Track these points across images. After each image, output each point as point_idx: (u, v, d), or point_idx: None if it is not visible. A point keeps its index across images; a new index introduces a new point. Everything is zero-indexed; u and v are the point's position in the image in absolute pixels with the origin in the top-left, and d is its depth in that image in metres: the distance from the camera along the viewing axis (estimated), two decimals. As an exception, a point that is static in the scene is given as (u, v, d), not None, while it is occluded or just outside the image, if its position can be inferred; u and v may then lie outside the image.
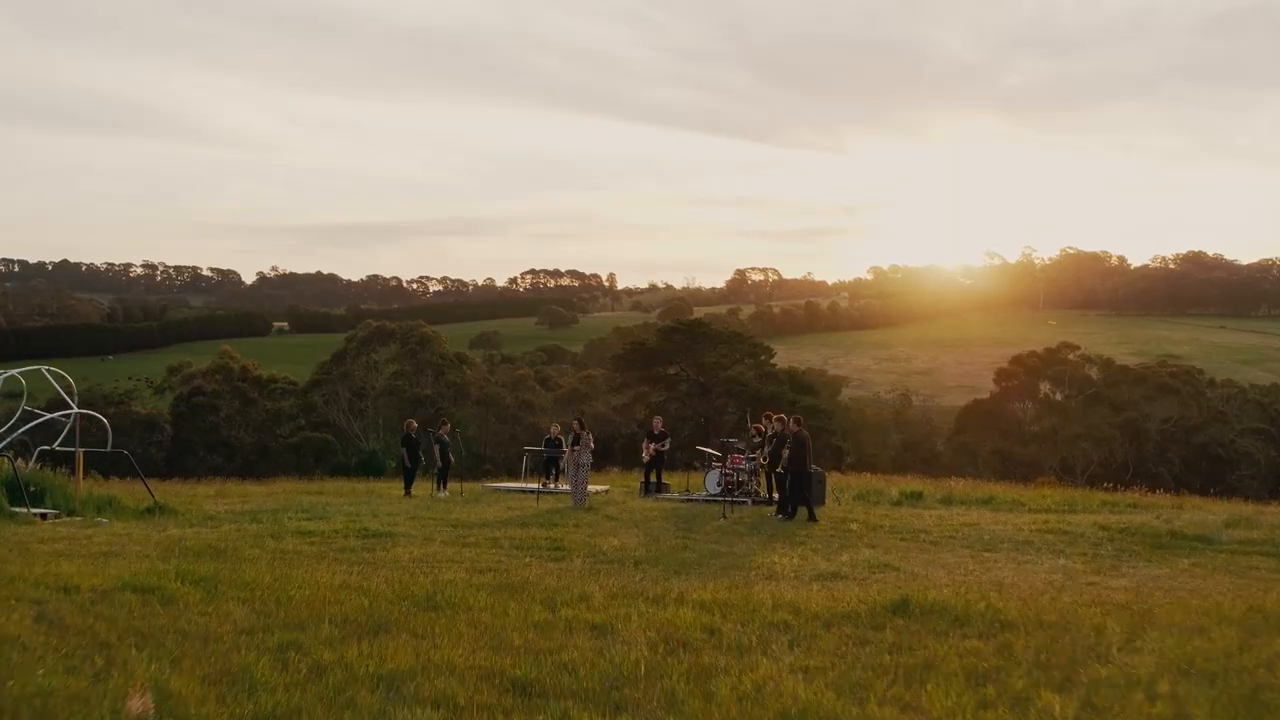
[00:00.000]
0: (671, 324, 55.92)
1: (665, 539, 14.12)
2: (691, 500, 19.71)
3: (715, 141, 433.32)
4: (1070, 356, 51.58)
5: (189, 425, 45.45)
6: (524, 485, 22.69)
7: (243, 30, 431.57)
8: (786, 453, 17.02)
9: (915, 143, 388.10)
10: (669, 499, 20.14)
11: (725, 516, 16.58)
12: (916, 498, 20.32)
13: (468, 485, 23.02)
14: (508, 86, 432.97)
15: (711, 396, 49.81)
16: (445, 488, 21.24)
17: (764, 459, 18.79)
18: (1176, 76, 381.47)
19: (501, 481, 25.56)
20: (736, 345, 51.02)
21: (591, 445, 18.92)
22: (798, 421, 17.39)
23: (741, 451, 19.66)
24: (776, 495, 18.38)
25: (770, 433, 19.10)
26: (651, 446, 21.19)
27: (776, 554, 12.70)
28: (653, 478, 21.25)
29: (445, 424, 22.46)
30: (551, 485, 21.61)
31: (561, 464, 21.52)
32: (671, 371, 51.48)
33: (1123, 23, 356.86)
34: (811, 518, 16.29)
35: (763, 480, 19.85)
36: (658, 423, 22.22)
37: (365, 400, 46.75)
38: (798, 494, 16.61)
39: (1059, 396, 49.18)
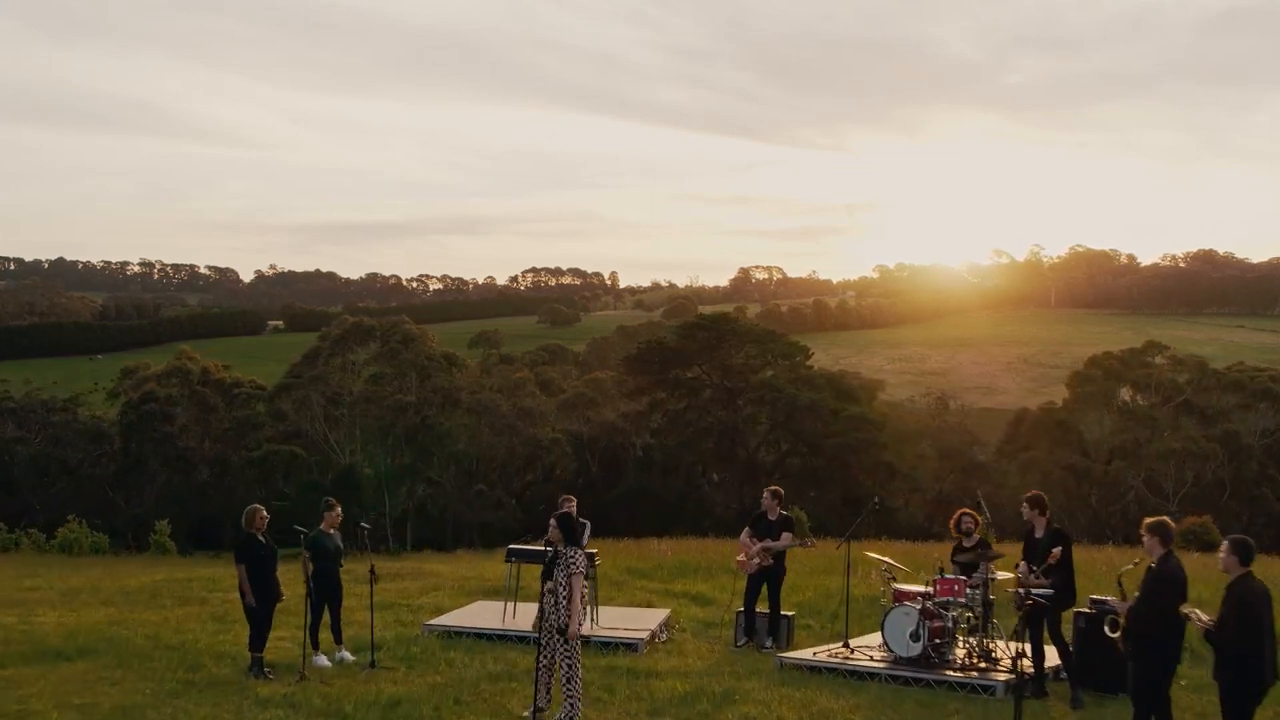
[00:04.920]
0: (693, 320, 49.62)
1: None
2: (858, 671, 9.89)
3: (716, 140, 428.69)
4: (1158, 359, 45.43)
5: (139, 436, 39.75)
6: (506, 625, 11.94)
7: (243, 29, 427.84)
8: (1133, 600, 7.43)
9: (917, 141, 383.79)
10: (805, 665, 10.23)
11: None
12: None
13: (401, 590, 14.56)
14: (508, 85, 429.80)
15: (739, 404, 44.10)
16: (340, 644, 11.00)
17: (1124, 604, 7.53)
18: (1177, 75, 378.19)
19: (461, 610, 13.44)
20: (768, 345, 45.12)
21: (593, 567, 10.14)
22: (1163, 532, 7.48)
23: (973, 569, 9.96)
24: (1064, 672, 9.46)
25: (1028, 524, 9.59)
26: (760, 547, 11.53)
27: None
28: (759, 605, 11.80)
29: (334, 508, 11.19)
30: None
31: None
32: (691, 374, 45.79)
33: (1124, 22, 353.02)
34: None
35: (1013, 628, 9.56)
36: (772, 503, 11.81)
37: (341, 407, 41.00)
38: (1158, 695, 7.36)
39: (1141, 404, 43.46)
